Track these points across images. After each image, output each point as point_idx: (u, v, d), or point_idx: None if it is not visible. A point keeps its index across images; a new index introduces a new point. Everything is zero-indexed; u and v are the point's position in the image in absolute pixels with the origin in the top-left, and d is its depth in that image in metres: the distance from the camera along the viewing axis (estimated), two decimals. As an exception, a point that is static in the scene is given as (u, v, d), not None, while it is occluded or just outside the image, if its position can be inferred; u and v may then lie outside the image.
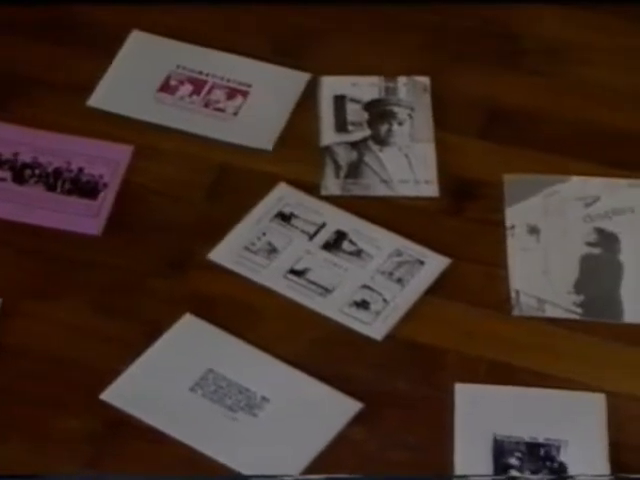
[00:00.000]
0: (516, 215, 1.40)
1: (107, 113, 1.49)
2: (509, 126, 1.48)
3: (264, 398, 1.26)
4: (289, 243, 1.38)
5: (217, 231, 1.39)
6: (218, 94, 1.52)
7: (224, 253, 1.37)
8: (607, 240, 1.37)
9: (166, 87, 1.52)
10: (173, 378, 1.27)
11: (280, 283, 1.35)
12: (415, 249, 1.37)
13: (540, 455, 1.21)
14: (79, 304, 1.33)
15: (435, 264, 1.36)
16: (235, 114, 1.50)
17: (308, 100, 1.51)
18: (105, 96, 1.50)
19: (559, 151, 1.45)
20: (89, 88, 1.51)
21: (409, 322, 1.32)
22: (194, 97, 1.51)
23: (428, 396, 1.26)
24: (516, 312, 1.33)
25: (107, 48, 1.54)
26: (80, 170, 1.44)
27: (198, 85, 1.52)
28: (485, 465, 1.20)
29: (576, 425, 1.22)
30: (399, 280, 1.35)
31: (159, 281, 1.35)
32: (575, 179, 1.42)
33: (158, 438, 1.23)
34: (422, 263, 1.36)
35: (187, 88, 1.52)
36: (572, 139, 1.47)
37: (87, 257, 1.37)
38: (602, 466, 1.20)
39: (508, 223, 1.39)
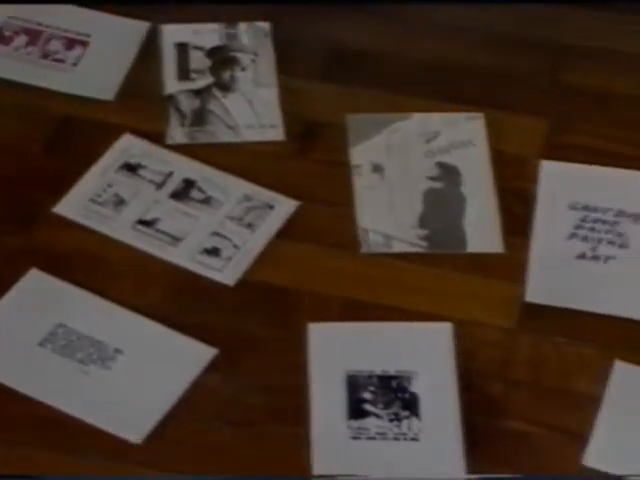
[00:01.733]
0: (361, 154, 1.41)
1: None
2: (351, 67, 1.49)
3: (117, 350, 1.24)
4: (136, 194, 1.37)
5: (61, 184, 1.36)
6: (56, 44, 1.49)
7: (70, 206, 1.35)
8: (449, 174, 1.39)
9: (-1, 38, 1.49)
10: (20, 334, 1.25)
11: (129, 234, 1.33)
12: (264, 194, 1.37)
13: (392, 387, 1.23)
14: None
15: (284, 207, 1.36)
16: (75, 64, 1.47)
17: (150, 49, 1.49)
18: None
19: (400, 89, 1.46)
20: None
21: (261, 266, 1.32)
22: (30, 48, 1.48)
23: (282, 338, 1.27)
24: (364, 249, 1.34)
25: None
26: None
27: (34, 35, 1.49)
28: (340, 401, 1.22)
29: (425, 355, 1.24)
30: (249, 225, 1.35)
31: (3, 237, 1.32)
32: (416, 116, 1.44)
33: (7, 396, 1.20)
34: (271, 207, 1.36)
35: (22, 39, 1.49)
36: (412, 77, 1.48)
37: None
38: (452, 394, 1.22)
39: (353, 163, 1.40)
